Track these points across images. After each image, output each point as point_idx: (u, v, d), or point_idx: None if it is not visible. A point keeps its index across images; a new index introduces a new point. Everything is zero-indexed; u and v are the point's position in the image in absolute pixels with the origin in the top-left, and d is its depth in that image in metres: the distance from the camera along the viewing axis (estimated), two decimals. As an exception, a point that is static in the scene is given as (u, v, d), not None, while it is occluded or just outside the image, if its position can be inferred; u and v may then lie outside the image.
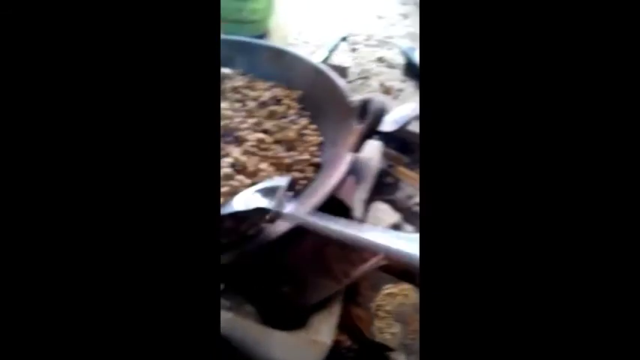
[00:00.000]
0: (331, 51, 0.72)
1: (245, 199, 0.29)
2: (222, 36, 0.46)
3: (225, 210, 0.29)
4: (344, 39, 0.77)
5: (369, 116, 0.33)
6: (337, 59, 0.72)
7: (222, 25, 0.70)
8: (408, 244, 0.18)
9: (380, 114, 0.33)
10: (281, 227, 0.29)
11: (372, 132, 0.34)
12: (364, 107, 0.35)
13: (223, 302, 0.32)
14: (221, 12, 0.77)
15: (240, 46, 0.46)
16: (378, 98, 0.35)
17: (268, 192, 0.30)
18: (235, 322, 0.31)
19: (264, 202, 0.27)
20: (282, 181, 0.30)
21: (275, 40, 0.75)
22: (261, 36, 0.74)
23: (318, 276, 0.33)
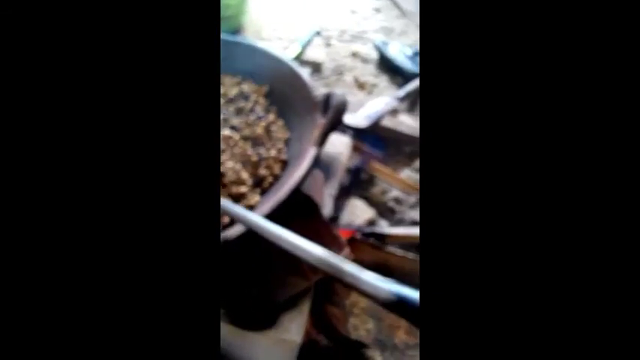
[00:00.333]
0: (305, 46, 0.71)
1: None
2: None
3: None
4: (318, 34, 0.76)
5: (330, 110, 0.33)
6: (311, 54, 0.71)
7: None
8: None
9: (342, 108, 0.33)
10: (239, 228, 0.28)
11: (334, 126, 0.33)
12: (326, 102, 0.34)
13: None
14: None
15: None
16: (339, 92, 0.34)
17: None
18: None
19: (224, 202, 0.26)
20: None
21: (249, 36, 0.73)
22: (235, 31, 0.73)
23: (285, 274, 0.32)
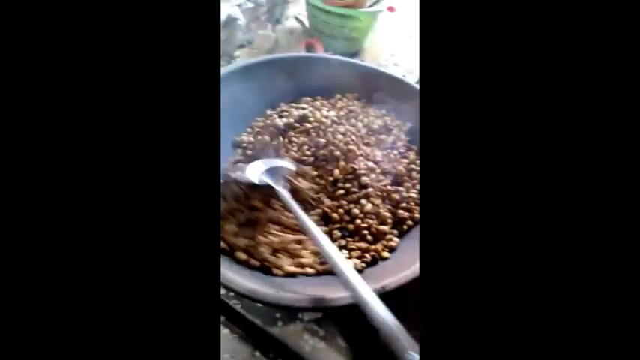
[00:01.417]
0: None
1: (255, 172, 0.32)
2: (343, 59, 0.46)
3: (240, 176, 0.32)
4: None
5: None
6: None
7: (321, 38, 0.72)
8: None
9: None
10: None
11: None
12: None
13: (316, 329, 0.32)
14: (321, 26, 0.77)
15: (359, 70, 0.46)
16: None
17: (274, 172, 0.33)
18: (326, 354, 0.30)
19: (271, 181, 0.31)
20: (286, 164, 0.35)
21: (367, 60, 0.75)
22: (355, 54, 0.74)
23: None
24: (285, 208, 0.31)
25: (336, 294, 0.25)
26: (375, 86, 0.44)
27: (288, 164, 0.36)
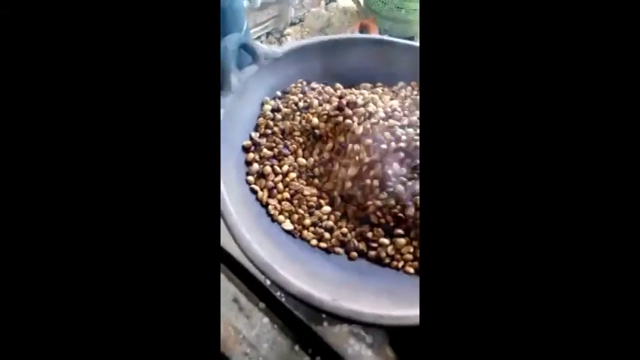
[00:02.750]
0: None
1: None
2: (405, 42, 0.43)
3: None
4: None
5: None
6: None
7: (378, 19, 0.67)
8: None
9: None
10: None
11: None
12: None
13: (363, 335, 0.30)
14: (377, 6, 0.73)
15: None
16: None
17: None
18: (373, 362, 0.28)
19: None
20: None
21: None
22: (411, 38, 0.70)
23: None
24: None
25: (398, 311, 0.23)
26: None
27: None
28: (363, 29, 0.66)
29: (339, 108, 0.35)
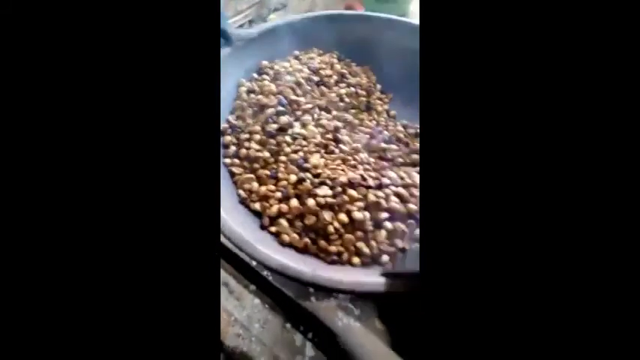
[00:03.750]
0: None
1: None
2: (380, 15, 0.42)
3: None
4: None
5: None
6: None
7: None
8: None
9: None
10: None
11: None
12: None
13: (351, 308, 0.30)
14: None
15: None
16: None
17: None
18: (361, 335, 0.28)
19: None
20: None
21: (410, 23, 0.69)
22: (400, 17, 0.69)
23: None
24: None
25: (374, 278, 0.23)
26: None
27: None
28: (349, 10, 0.65)
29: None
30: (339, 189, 0.27)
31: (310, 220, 0.27)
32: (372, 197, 0.27)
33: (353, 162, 0.29)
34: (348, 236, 0.27)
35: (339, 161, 0.29)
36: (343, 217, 0.27)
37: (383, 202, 0.27)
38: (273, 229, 0.29)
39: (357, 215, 0.27)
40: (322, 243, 0.27)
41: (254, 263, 0.32)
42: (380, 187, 0.28)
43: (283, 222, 0.28)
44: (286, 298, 0.32)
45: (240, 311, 0.33)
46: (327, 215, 0.27)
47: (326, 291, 0.25)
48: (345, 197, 0.27)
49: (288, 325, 0.32)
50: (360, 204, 0.27)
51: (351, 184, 0.28)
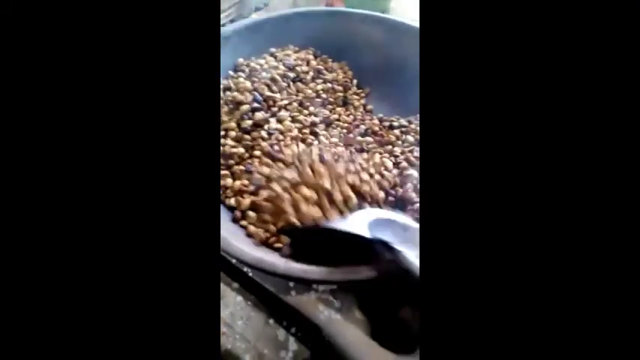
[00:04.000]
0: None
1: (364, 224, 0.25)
2: (357, 11, 0.42)
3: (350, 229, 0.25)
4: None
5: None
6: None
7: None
8: None
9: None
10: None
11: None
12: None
13: (332, 300, 0.30)
14: (345, -17, 0.71)
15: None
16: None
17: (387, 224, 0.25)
18: (342, 326, 0.29)
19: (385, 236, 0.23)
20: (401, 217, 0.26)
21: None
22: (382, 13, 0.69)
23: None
24: None
25: (349, 267, 0.23)
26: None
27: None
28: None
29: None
30: (309, 170, 0.28)
31: (270, 208, 0.28)
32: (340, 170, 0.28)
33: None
34: (304, 208, 0.27)
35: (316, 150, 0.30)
36: (306, 191, 0.27)
37: (352, 177, 0.28)
38: (243, 222, 0.29)
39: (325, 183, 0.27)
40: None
41: (234, 260, 0.33)
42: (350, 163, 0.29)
43: (251, 214, 0.28)
44: (268, 294, 0.32)
45: (224, 309, 0.33)
46: (276, 187, 0.27)
47: (301, 282, 0.26)
48: (311, 174, 0.27)
49: (271, 321, 0.32)
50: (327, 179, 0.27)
51: (321, 161, 0.28)
